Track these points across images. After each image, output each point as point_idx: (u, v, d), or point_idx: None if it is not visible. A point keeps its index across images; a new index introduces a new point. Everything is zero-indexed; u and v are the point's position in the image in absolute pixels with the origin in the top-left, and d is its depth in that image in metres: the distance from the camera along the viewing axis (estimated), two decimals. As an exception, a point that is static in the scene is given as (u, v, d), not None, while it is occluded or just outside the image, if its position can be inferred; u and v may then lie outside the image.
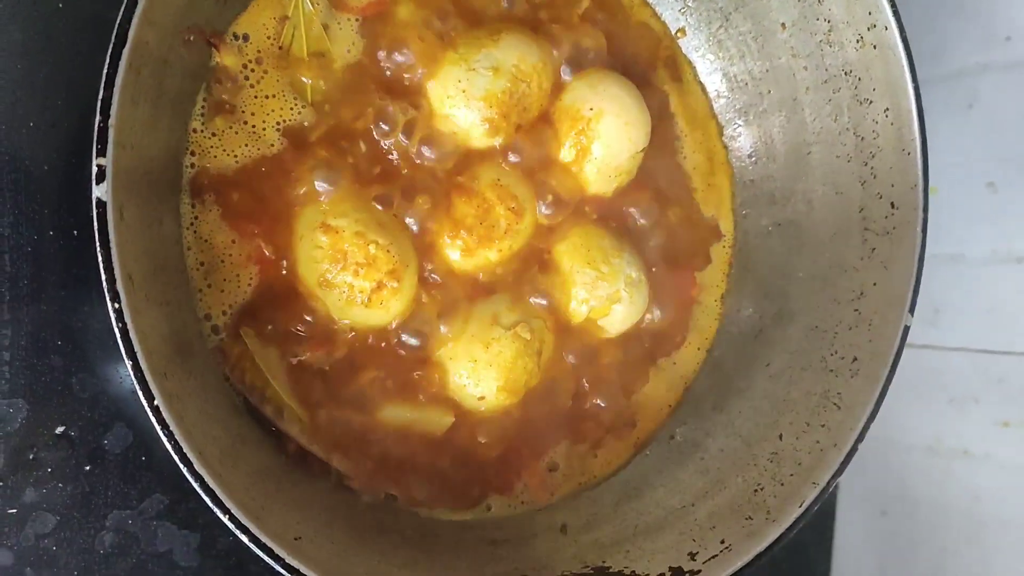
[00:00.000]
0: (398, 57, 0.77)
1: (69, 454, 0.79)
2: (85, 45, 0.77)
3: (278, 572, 0.61)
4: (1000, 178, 1.14)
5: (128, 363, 0.56)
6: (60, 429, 0.78)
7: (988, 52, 1.14)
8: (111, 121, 0.55)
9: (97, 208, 0.55)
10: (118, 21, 0.56)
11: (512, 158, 0.80)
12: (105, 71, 0.56)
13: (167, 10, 0.62)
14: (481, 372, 0.77)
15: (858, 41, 0.79)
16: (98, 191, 0.55)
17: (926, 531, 1.19)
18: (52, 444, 0.78)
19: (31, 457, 0.77)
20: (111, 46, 0.56)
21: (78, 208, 0.77)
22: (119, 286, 0.56)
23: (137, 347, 0.56)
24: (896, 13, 0.75)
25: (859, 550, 1.23)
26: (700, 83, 0.92)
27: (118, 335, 0.56)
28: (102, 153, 0.55)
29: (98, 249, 0.56)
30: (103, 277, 0.56)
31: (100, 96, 0.56)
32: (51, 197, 0.77)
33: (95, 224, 0.56)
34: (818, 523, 1.22)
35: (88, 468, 0.79)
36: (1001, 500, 1.14)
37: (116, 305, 0.56)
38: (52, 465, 0.78)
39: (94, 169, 0.55)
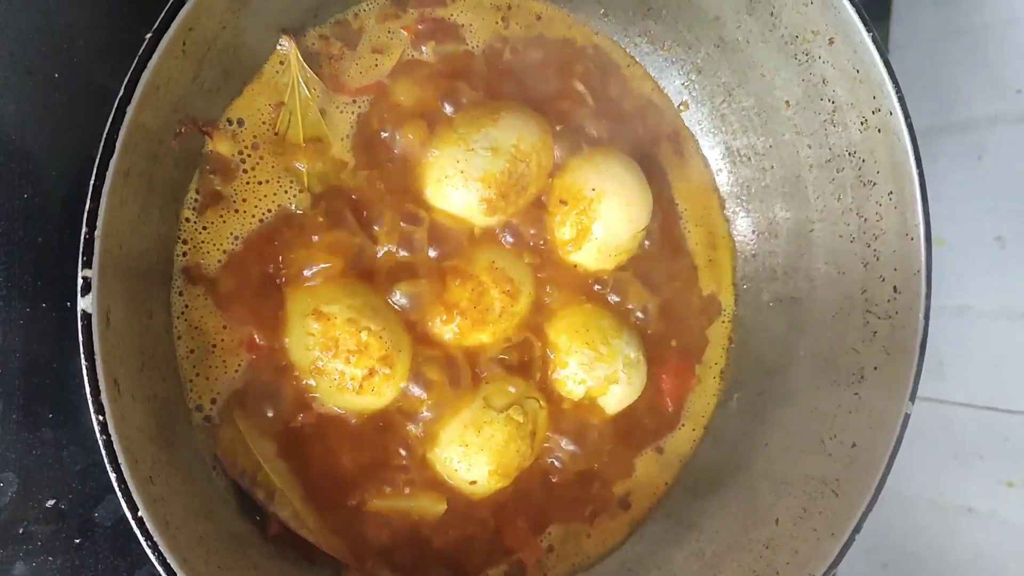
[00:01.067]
0: (395, 139, 0.76)
1: (59, 527, 0.78)
2: (81, 113, 0.77)
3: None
4: (1008, 232, 1.13)
5: (112, 475, 0.56)
6: (51, 502, 0.78)
7: (999, 104, 1.13)
8: (98, 232, 0.54)
9: (82, 320, 0.55)
10: (106, 131, 0.55)
11: (509, 239, 0.79)
12: (92, 182, 0.55)
13: (158, 109, 0.61)
14: (473, 457, 0.76)
15: (862, 123, 0.78)
16: (83, 303, 0.55)
17: (927, 587, 1.18)
18: (43, 517, 0.78)
19: (21, 531, 0.77)
20: (99, 155, 0.55)
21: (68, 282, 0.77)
22: (103, 398, 0.55)
23: (121, 459, 0.55)
24: (901, 98, 0.74)
25: (861, 602, 1.23)
26: (703, 156, 0.91)
27: (102, 448, 0.56)
28: (87, 265, 0.54)
29: (83, 361, 0.55)
30: (87, 389, 0.55)
31: (87, 208, 0.55)
32: (44, 270, 0.77)
33: (80, 335, 0.55)
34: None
35: (78, 541, 0.79)
36: (1005, 559, 1.13)
37: (100, 418, 0.55)
38: (42, 539, 0.78)
39: (79, 281, 0.54)
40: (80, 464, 0.79)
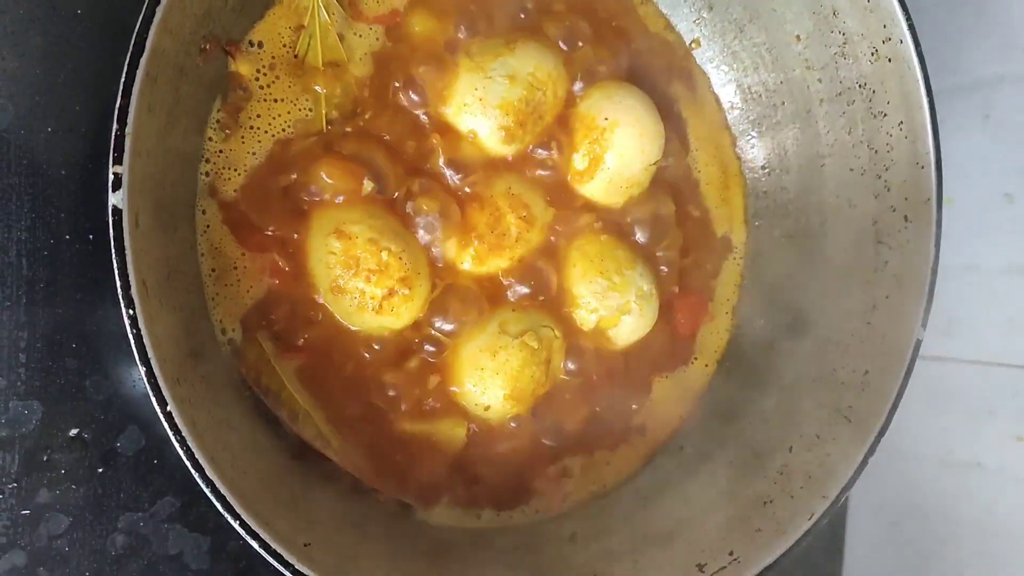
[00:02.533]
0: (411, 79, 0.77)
1: (82, 456, 0.79)
2: (103, 50, 0.78)
3: (287, 576, 0.62)
4: (1017, 189, 1.14)
5: (141, 369, 0.57)
6: (74, 431, 0.79)
7: (1005, 63, 1.14)
8: (128, 129, 0.56)
9: (113, 215, 0.56)
10: (136, 29, 0.57)
11: (524, 167, 0.80)
12: (123, 79, 0.56)
13: (184, 19, 0.62)
14: (488, 380, 0.77)
15: (873, 54, 0.79)
16: (114, 198, 0.56)
17: (937, 543, 1.18)
18: (66, 446, 0.79)
19: (45, 459, 0.78)
20: (129, 54, 0.57)
21: (94, 213, 0.78)
22: (133, 292, 0.56)
23: (151, 353, 0.57)
24: (911, 26, 0.75)
25: (869, 560, 1.23)
26: (714, 94, 0.92)
27: (132, 341, 0.57)
28: (118, 161, 0.56)
29: (113, 256, 0.56)
30: (118, 283, 0.56)
31: (117, 104, 0.56)
32: (68, 201, 0.78)
33: (111, 231, 0.56)
34: (829, 533, 1.22)
35: (101, 470, 0.80)
36: (1014, 514, 1.13)
37: (130, 311, 0.56)
38: (65, 467, 0.79)
39: (110, 177, 0.56)
40: (103, 395, 0.80)
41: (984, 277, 1.16)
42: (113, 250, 0.56)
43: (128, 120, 0.56)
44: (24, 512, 0.77)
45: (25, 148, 0.76)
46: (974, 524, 1.16)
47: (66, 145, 0.78)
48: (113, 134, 0.56)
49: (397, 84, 0.78)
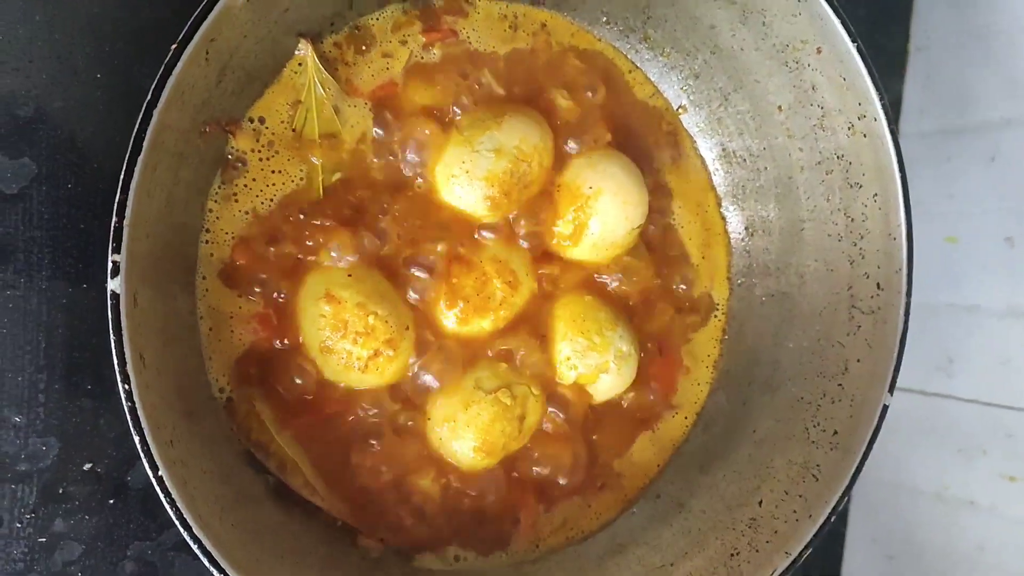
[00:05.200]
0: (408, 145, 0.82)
1: (96, 489, 0.86)
2: (121, 112, 0.83)
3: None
4: (1018, 233, 1.15)
5: (136, 438, 0.62)
6: (88, 466, 0.85)
7: (1012, 106, 1.15)
8: (126, 221, 0.61)
9: (111, 300, 0.61)
10: (135, 131, 0.61)
11: (511, 233, 0.84)
12: (122, 175, 0.61)
13: (183, 112, 0.67)
14: (459, 431, 0.82)
15: (849, 128, 0.82)
16: (112, 285, 0.61)
17: (931, 578, 1.21)
18: (80, 479, 0.85)
19: (61, 491, 0.84)
20: (128, 153, 0.62)
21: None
22: (129, 369, 0.62)
23: (144, 425, 0.62)
24: (885, 106, 0.78)
25: (864, 592, 1.26)
26: (700, 156, 0.95)
27: (127, 413, 0.62)
28: (117, 250, 0.61)
29: (111, 335, 0.62)
30: (115, 361, 0.62)
31: (116, 198, 0.61)
32: (85, 253, 0.84)
33: (109, 313, 0.62)
34: (826, 564, 1.25)
35: (112, 502, 0.86)
36: (1005, 552, 1.15)
37: (126, 386, 0.62)
38: (80, 498, 0.85)
39: (109, 265, 0.61)
40: (115, 432, 0.86)
41: (984, 318, 1.18)
42: (111, 331, 0.62)
43: (126, 212, 0.61)
44: (41, 540, 0.84)
45: (48, 202, 0.82)
46: (967, 561, 1.18)
47: (85, 200, 0.83)
48: (112, 226, 0.61)
49: (395, 148, 0.82)
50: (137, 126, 0.62)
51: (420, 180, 0.83)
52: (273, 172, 0.79)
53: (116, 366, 0.62)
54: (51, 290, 0.83)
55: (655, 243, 0.91)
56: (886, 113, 0.78)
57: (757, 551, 0.81)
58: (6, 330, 0.81)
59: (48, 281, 0.83)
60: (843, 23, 0.76)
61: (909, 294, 0.80)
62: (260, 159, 0.79)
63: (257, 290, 0.79)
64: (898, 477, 1.27)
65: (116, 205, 0.61)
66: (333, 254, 0.79)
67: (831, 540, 1.27)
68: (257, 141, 0.79)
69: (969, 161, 1.20)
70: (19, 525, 0.83)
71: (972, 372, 1.19)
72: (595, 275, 0.89)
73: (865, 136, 0.80)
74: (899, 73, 1.23)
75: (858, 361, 0.83)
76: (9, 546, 0.82)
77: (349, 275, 0.79)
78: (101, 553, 0.86)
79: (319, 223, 0.79)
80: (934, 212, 1.18)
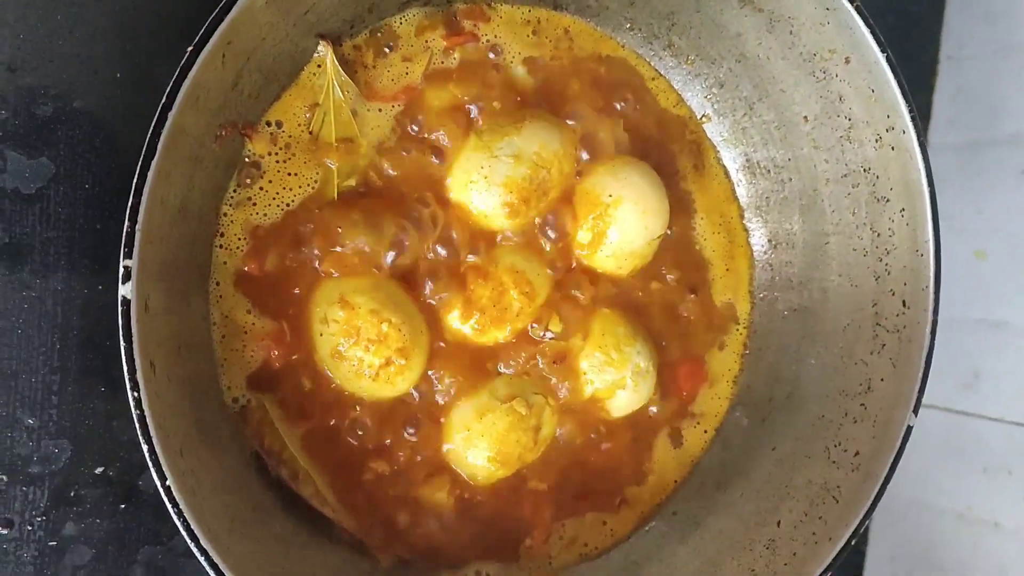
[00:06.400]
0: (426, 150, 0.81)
1: (107, 492, 0.85)
2: (142, 112, 0.82)
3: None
4: (1050, 249, 1.13)
5: (144, 447, 0.62)
6: (100, 469, 0.85)
7: (1045, 119, 1.13)
8: (138, 226, 0.60)
9: (122, 305, 0.60)
10: (148, 135, 0.61)
11: (529, 241, 0.83)
12: (135, 181, 0.61)
13: (199, 115, 0.67)
14: (473, 441, 0.81)
15: (877, 141, 0.80)
16: (123, 290, 0.60)
17: (951, 599, 1.19)
18: (92, 483, 0.84)
19: (72, 494, 0.84)
20: (141, 157, 0.61)
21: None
22: (139, 377, 0.61)
23: (153, 434, 0.61)
24: (915, 118, 0.76)
25: (884, 611, 1.24)
26: (723, 166, 0.93)
27: (136, 422, 0.61)
28: (128, 255, 0.60)
29: (121, 341, 0.61)
30: (125, 368, 0.61)
31: (129, 203, 0.61)
32: (100, 253, 0.83)
33: (119, 319, 0.61)
34: (846, 581, 1.23)
35: (123, 506, 0.86)
36: (1029, 577, 1.13)
37: (135, 394, 0.61)
38: (91, 502, 0.84)
39: (121, 270, 0.60)
40: (127, 435, 0.85)
41: (1012, 335, 1.16)
42: (121, 337, 0.61)
43: (139, 217, 0.60)
44: (51, 543, 0.83)
45: (65, 202, 0.82)
46: (988, 582, 1.16)
47: (103, 201, 0.83)
48: (124, 231, 0.60)
49: (413, 152, 0.81)
50: (151, 130, 0.61)
51: (438, 185, 0.82)
52: (289, 175, 0.78)
53: (126, 373, 0.61)
54: (67, 291, 0.82)
55: (676, 254, 0.89)
56: (915, 126, 0.76)
57: (775, 573, 0.79)
58: (21, 331, 0.80)
59: (64, 282, 0.82)
60: (872, 33, 0.75)
61: (936, 312, 0.79)
62: (277, 162, 0.78)
63: (270, 298, 0.77)
64: (920, 495, 1.24)
65: (128, 210, 0.61)
66: (343, 261, 0.78)
67: (850, 557, 1.25)
68: (274, 145, 0.78)
69: (999, 174, 1.19)
70: (30, 528, 0.82)
71: (999, 389, 1.17)
72: (614, 287, 0.87)
73: (893, 149, 0.79)
74: (928, 84, 1.20)
75: (882, 380, 0.81)
76: (19, 549, 0.82)
77: (364, 282, 0.78)
78: (111, 557, 0.86)
79: (336, 228, 0.78)
80: (963, 226, 1.16)
